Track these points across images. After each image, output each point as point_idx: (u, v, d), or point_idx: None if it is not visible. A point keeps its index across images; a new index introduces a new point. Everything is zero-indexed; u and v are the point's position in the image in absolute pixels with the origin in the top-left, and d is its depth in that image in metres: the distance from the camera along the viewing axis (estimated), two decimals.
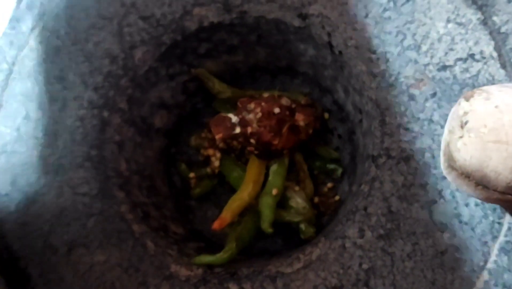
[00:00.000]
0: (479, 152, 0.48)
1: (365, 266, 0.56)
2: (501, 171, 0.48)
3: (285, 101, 0.66)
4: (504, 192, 0.49)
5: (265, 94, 0.68)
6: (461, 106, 0.50)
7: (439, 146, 0.57)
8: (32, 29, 0.65)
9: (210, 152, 0.68)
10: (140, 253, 0.59)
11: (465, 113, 0.49)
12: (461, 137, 0.49)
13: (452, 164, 0.50)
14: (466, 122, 0.49)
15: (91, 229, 0.60)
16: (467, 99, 0.50)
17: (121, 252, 0.59)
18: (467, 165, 0.49)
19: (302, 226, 0.64)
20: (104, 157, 0.62)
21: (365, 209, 0.57)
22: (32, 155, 0.62)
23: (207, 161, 0.69)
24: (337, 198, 0.67)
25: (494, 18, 0.60)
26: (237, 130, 0.64)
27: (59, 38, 0.65)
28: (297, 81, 0.72)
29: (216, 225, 0.61)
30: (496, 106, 0.49)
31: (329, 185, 0.69)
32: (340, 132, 0.70)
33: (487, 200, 0.53)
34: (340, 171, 0.68)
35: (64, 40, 0.65)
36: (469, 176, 0.50)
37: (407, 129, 0.58)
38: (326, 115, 0.70)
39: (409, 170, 0.58)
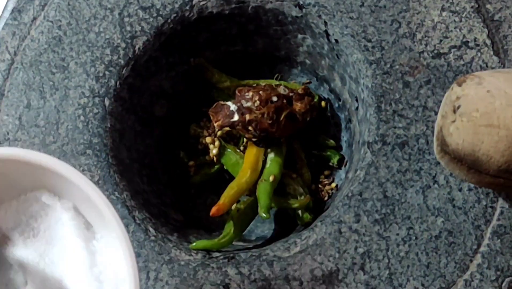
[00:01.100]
0: (471, 136, 0.49)
1: (360, 250, 0.57)
2: (492, 154, 0.49)
3: (282, 90, 0.67)
4: (495, 175, 0.50)
5: (263, 83, 0.69)
6: (454, 91, 0.51)
7: (433, 132, 0.58)
8: (34, 19, 0.67)
9: (209, 140, 0.69)
10: (141, 238, 0.60)
11: (458, 98, 0.51)
12: (453, 121, 0.50)
13: (445, 148, 0.51)
14: (458, 107, 0.50)
15: None
16: (459, 85, 0.51)
17: None
18: (460, 149, 0.50)
19: (300, 212, 0.65)
20: (105, 144, 0.63)
21: (361, 194, 0.58)
22: (34, 142, 0.63)
23: (206, 149, 0.70)
24: (333, 185, 0.68)
25: (488, 6, 0.61)
26: (236, 117, 0.65)
27: (60, 28, 0.66)
28: (295, 70, 0.73)
29: (214, 211, 0.62)
30: (488, 91, 0.50)
31: (326, 172, 0.70)
32: (337, 121, 0.71)
33: (480, 183, 0.54)
34: (337, 158, 0.69)
35: (65, 30, 0.66)
36: (461, 160, 0.51)
37: (401, 116, 0.60)
38: (323, 103, 0.71)
39: (404, 156, 0.59)
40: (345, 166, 0.69)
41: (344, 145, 0.70)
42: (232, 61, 0.72)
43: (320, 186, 0.69)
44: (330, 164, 0.69)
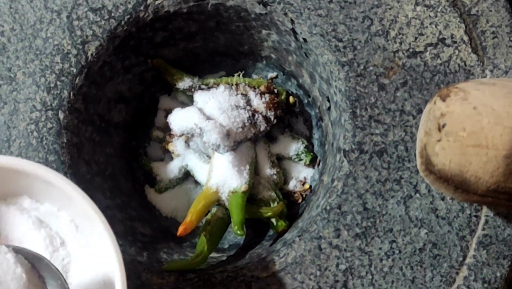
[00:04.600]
0: (459, 157, 0.47)
1: (342, 267, 0.55)
2: (481, 175, 0.47)
3: (242, 89, 0.63)
4: (484, 194, 0.48)
5: (224, 82, 0.64)
6: (437, 106, 0.48)
7: (412, 138, 0.56)
8: None
9: (171, 147, 0.65)
10: None
11: (442, 115, 0.47)
12: (439, 140, 0.47)
13: (430, 168, 0.49)
14: (443, 125, 0.47)
15: None
16: (443, 99, 0.48)
17: None
18: (446, 169, 0.47)
19: (274, 220, 0.62)
20: (63, 162, 0.59)
21: (340, 207, 0.55)
22: None
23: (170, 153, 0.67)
24: (307, 186, 0.65)
25: None
26: None
27: (3, 34, 0.61)
28: (260, 64, 0.69)
29: (181, 231, 0.58)
30: (475, 108, 0.47)
31: None
32: (307, 117, 0.67)
33: (467, 201, 0.51)
34: (309, 158, 0.65)
35: (9, 37, 0.61)
36: (448, 180, 0.48)
37: (378, 121, 0.56)
38: (292, 99, 0.67)
39: (383, 165, 0.56)
40: (318, 166, 0.65)
41: (315, 143, 0.67)
42: (192, 57, 0.68)
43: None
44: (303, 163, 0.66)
